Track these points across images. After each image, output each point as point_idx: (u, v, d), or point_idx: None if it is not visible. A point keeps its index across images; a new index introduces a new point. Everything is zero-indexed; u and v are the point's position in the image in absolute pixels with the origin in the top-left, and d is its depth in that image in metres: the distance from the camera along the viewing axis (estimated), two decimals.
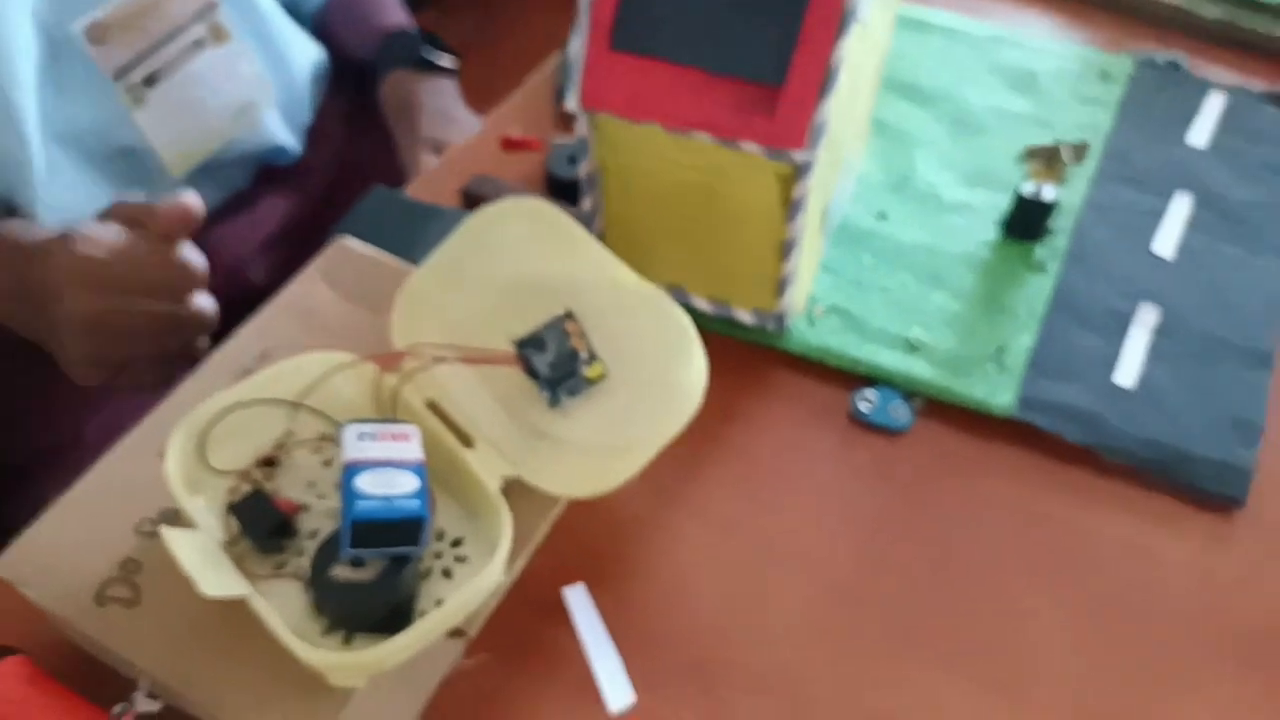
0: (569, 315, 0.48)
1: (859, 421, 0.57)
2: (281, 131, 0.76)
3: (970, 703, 0.47)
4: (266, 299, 0.54)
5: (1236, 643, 0.49)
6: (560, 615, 0.50)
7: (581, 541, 0.52)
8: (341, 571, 0.39)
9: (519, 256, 0.49)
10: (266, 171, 0.79)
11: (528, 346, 0.47)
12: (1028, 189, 0.62)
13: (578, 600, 0.50)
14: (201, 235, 0.76)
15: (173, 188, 0.71)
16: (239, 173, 0.78)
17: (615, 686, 0.47)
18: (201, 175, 0.73)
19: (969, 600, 0.50)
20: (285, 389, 0.45)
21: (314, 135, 0.81)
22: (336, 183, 0.83)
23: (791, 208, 0.52)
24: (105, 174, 0.67)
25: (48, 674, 0.44)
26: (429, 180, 0.72)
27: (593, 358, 0.47)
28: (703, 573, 0.51)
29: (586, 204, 0.58)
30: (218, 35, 0.67)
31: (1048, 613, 0.50)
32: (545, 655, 0.48)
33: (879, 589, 0.51)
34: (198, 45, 0.66)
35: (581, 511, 0.53)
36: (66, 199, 0.64)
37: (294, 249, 0.80)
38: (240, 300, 0.74)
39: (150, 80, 0.65)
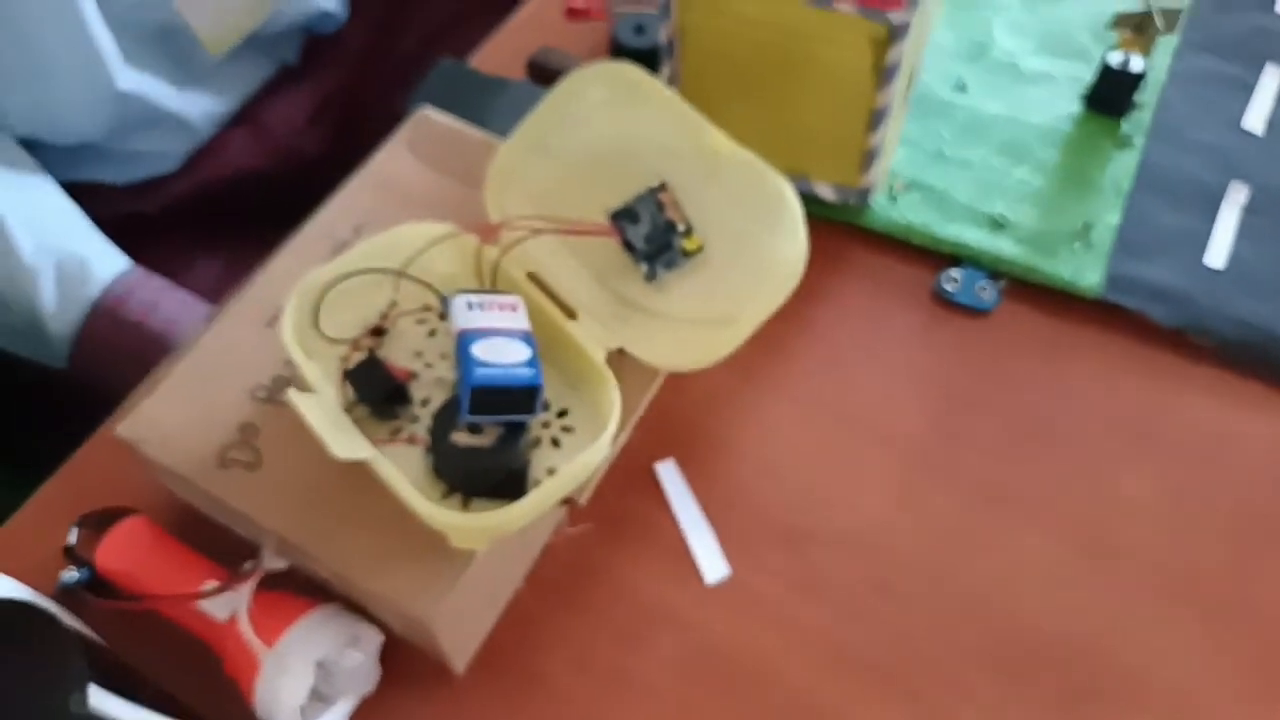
0: (662, 186, 0.47)
1: (943, 301, 0.57)
2: None
3: (1053, 563, 0.49)
4: (321, 170, 0.54)
5: None
6: (653, 489, 0.51)
7: (670, 418, 0.53)
8: (461, 437, 0.40)
9: (606, 124, 0.48)
10: (313, 42, 0.77)
11: (622, 219, 0.47)
12: (1115, 59, 0.60)
13: (669, 475, 0.51)
14: (253, 111, 0.75)
15: (215, 67, 0.69)
16: (287, 45, 0.76)
17: (710, 559, 0.49)
18: (247, 50, 0.71)
19: (1053, 473, 0.51)
20: (388, 259, 0.45)
21: (356, 8, 0.78)
22: (380, 52, 0.81)
23: (885, 74, 0.50)
24: (151, 54, 0.66)
25: (168, 533, 0.45)
26: (493, 52, 0.70)
27: (689, 229, 0.47)
28: (788, 448, 0.52)
29: (664, 71, 0.56)
30: None
31: (1133, 489, 0.51)
32: (641, 528, 0.50)
33: (963, 461, 0.52)
34: None
35: (669, 389, 0.53)
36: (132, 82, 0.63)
37: (343, 119, 0.78)
38: (298, 173, 0.73)
39: None
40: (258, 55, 0.74)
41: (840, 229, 0.59)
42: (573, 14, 0.69)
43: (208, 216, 0.74)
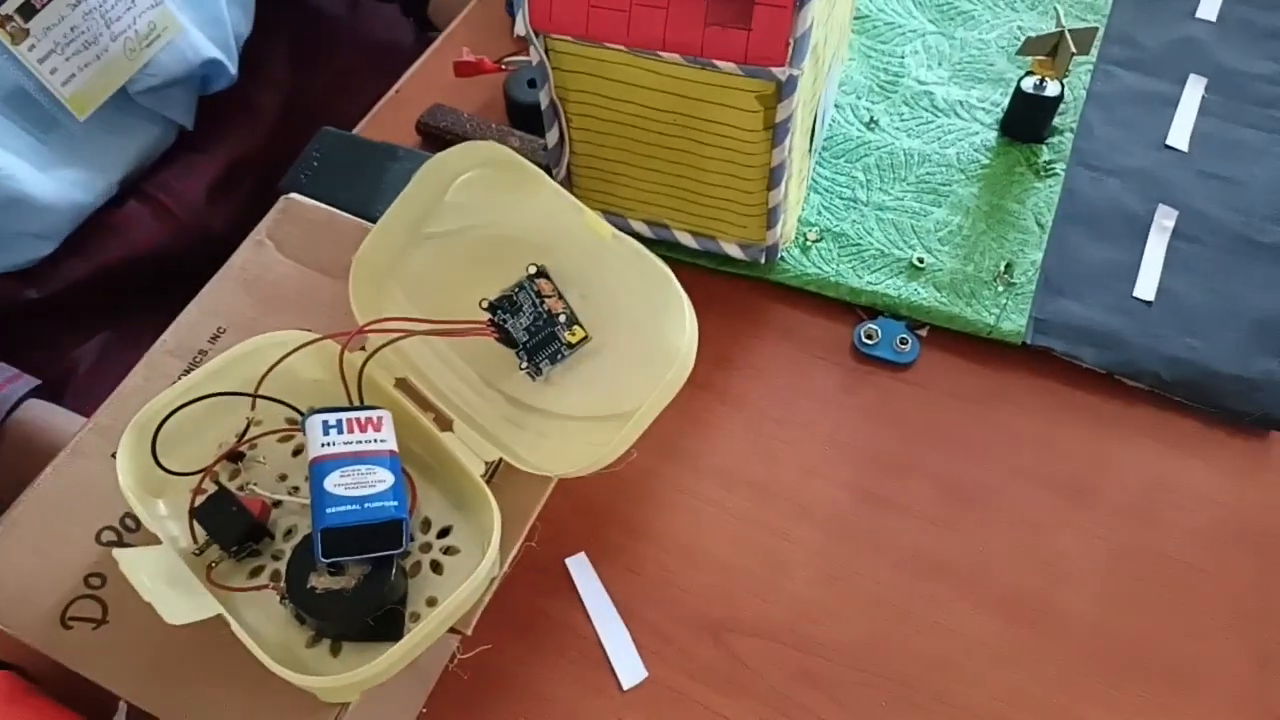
0: (541, 272, 0.43)
1: (862, 356, 0.53)
2: (206, 46, 0.69)
3: (990, 634, 0.46)
4: (228, 244, 0.50)
5: (1267, 574, 0.47)
6: (564, 586, 0.48)
7: (581, 505, 0.49)
8: (320, 580, 0.36)
9: (479, 207, 0.45)
10: (209, 107, 0.72)
11: (499, 310, 0.44)
12: (1029, 84, 0.57)
13: (581, 571, 0.48)
14: (149, 183, 0.70)
15: (91, 135, 0.65)
16: (178, 107, 0.72)
17: (626, 661, 0.45)
18: (130, 114, 0.67)
19: (986, 538, 0.48)
20: (241, 376, 0.41)
21: (251, 66, 0.74)
22: (283, 120, 0.77)
23: (777, 131, 0.47)
24: (11, 120, 0.61)
25: (33, 690, 0.41)
26: (382, 115, 0.66)
27: (572, 319, 0.43)
28: (705, 529, 0.49)
29: (551, 137, 0.53)
30: None
31: (1071, 549, 0.48)
32: (551, 631, 0.46)
33: (889, 530, 0.49)
34: None
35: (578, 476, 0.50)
36: None
37: (251, 190, 0.75)
38: (204, 251, 0.69)
39: (26, 10, 0.58)
40: (142, 120, 0.70)
41: (754, 286, 0.56)
42: (462, 69, 0.66)
43: (105, 300, 0.70)
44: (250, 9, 0.74)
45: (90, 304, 0.69)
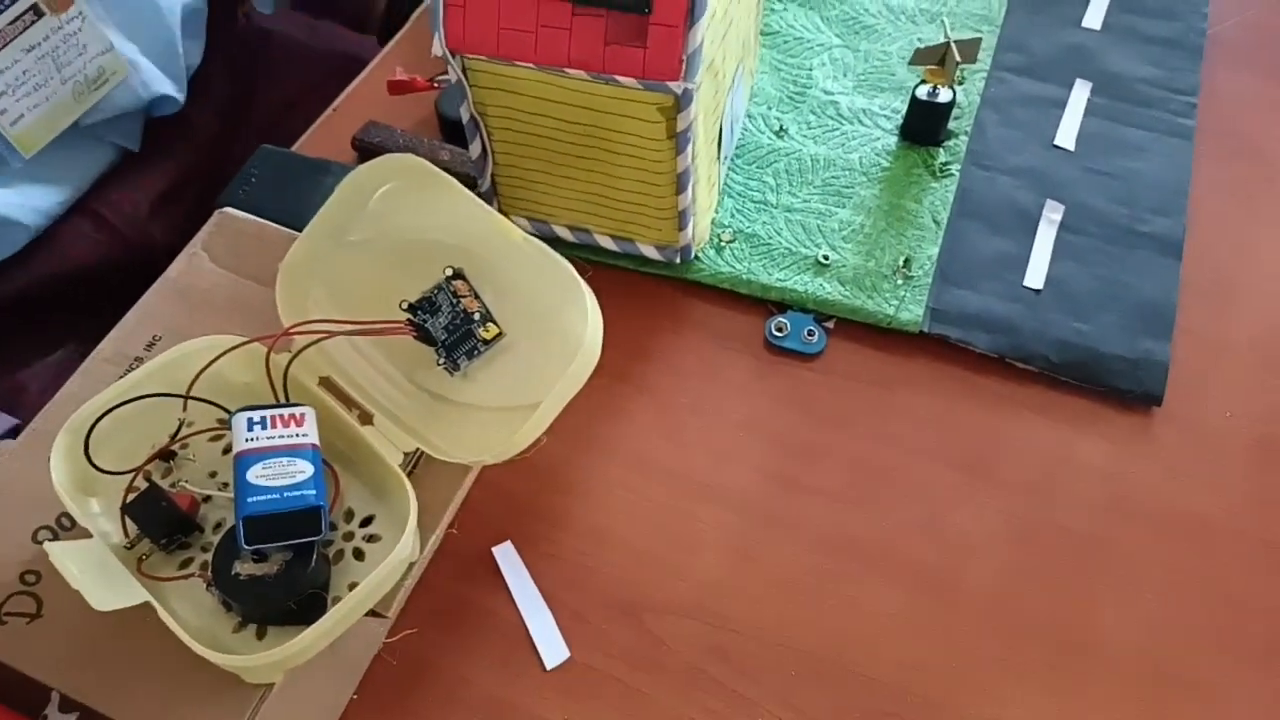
0: (458, 274, 0.46)
1: (773, 348, 0.57)
2: (159, 82, 0.71)
3: (895, 607, 0.48)
4: (170, 259, 0.52)
5: (1158, 541, 0.50)
6: (491, 574, 0.50)
7: (505, 494, 0.52)
8: (244, 567, 0.38)
9: (399, 214, 0.48)
10: (152, 125, 0.74)
11: (419, 311, 0.46)
12: (922, 92, 0.61)
13: (507, 559, 0.50)
14: (92, 200, 0.72)
15: (38, 159, 0.67)
16: (125, 131, 0.74)
17: (549, 643, 0.48)
18: (78, 139, 0.69)
19: (891, 516, 0.51)
20: (172, 379, 0.43)
21: (197, 87, 0.77)
22: (226, 138, 0.79)
23: (679, 139, 0.50)
24: None
25: None
26: (320, 132, 0.69)
27: (486, 317, 0.46)
28: (624, 515, 0.52)
29: (474, 150, 0.55)
30: (54, 4, 0.62)
31: (971, 525, 0.51)
32: (480, 618, 0.49)
33: (799, 511, 0.51)
34: (33, 13, 0.61)
35: (502, 467, 0.52)
36: None
37: (193, 205, 0.76)
38: (147, 264, 0.71)
39: None
40: (90, 143, 0.72)
41: (671, 284, 0.59)
42: (395, 87, 0.68)
43: (45, 314, 0.71)
44: (202, 38, 0.77)
45: (34, 320, 0.71)
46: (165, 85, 0.72)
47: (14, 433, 0.60)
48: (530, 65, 0.48)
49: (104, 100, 0.67)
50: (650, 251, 0.58)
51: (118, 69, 0.67)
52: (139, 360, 0.48)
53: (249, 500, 0.37)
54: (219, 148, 0.79)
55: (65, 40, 0.63)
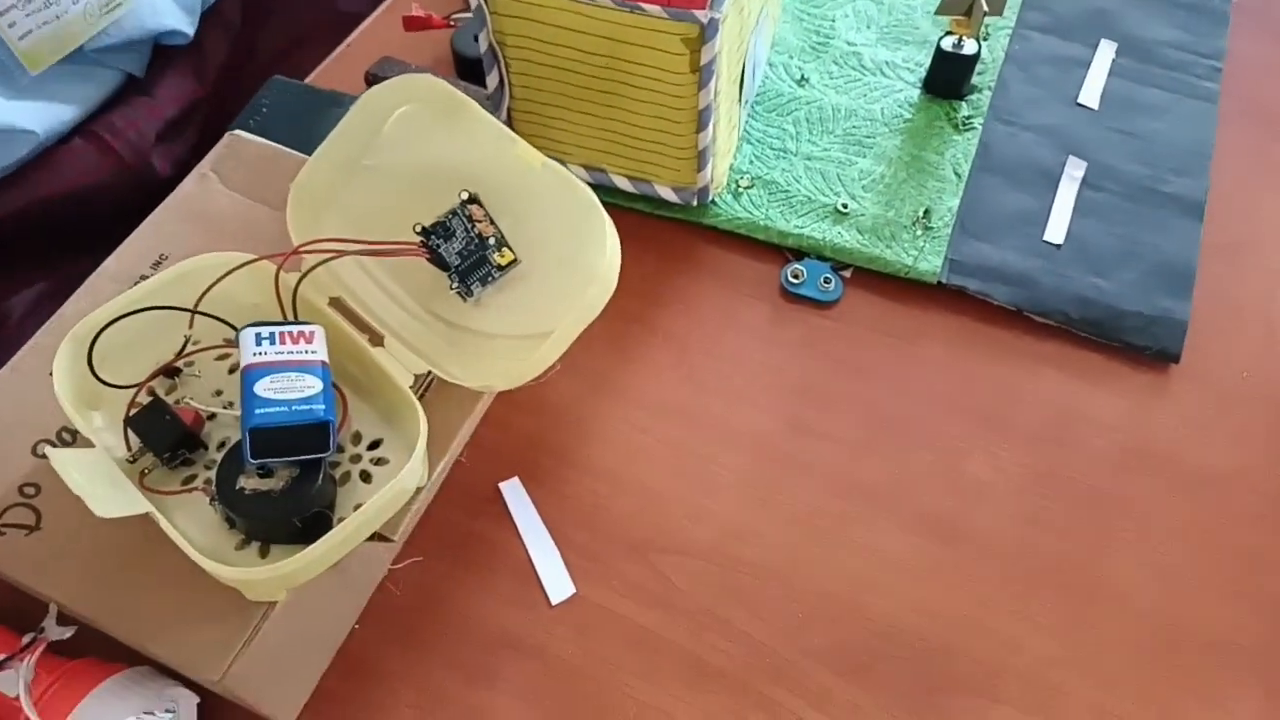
0: (473, 199, 0.45)
1: (789, 295, 0.56)
2: (174, 15, 0.70)
3: (907, 552, 0.48)
4: (171, 188, 0.51)
5: (1171, 495, 0.50)
6: (499, 510, 0.49)
7: (515, 434, 0.51)
8: (249, 482, 0.37)
9: (415, 139, 0.46)
10: (162, 54, 0.73)
11: (433, 235, 0.45)
12: (948, 43, 0.60)
13: (514, 495, 0.50)
14: (95, 124, 0.71)
15: (33, 86, 0.65)
16: (131, 58, 0.72)
17: (555, 579, 0.47)
18: (89, 64, 0.67)
19: (904, 463, 0.51)
20: (180, 294, 0.42)
21: (208, 18, 0.75)
22: (232, 68, 0.77)
23: (703, 73, 0.49)
24: None
25: None
26: (333, 67, 0.68)
27: (501, 242, 0.45)
28: (637, 456, 0.51)
29: (491, 81, 0.54)
30: None
31: (983, 473, 0.50)
32: (485, 552, 0.48)
33: (813, 456, 0.51)
34: None
35: (514, 404, 0.51)
36: None
37: (197, 134, 0.75)
38: (146, 193, 0.69)
39: None
40: (97, 69, 0.70)
41: (687, 229, 0.58)
42: (411, 23, 0.67)
43: (41, 241, 0.70)
44: None
45: (24, 244, 0.69)
46: (176, 18, 0.70)
47: None
48: None
49: (112, 26, 0.66)
50: (667, 193, 0.57)
51: None
52: (144, 278, 0.46)
53: (256, 412, 0.36)
54: (227, 79, 0.77)
55: None
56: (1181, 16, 0.67)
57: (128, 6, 0.65)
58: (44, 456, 0.41)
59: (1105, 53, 0.65)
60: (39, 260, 0.69)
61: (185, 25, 0.71)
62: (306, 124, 0.61)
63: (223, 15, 0.77)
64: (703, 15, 0.46)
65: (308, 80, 0.66)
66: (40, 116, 0.65)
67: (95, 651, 0.40)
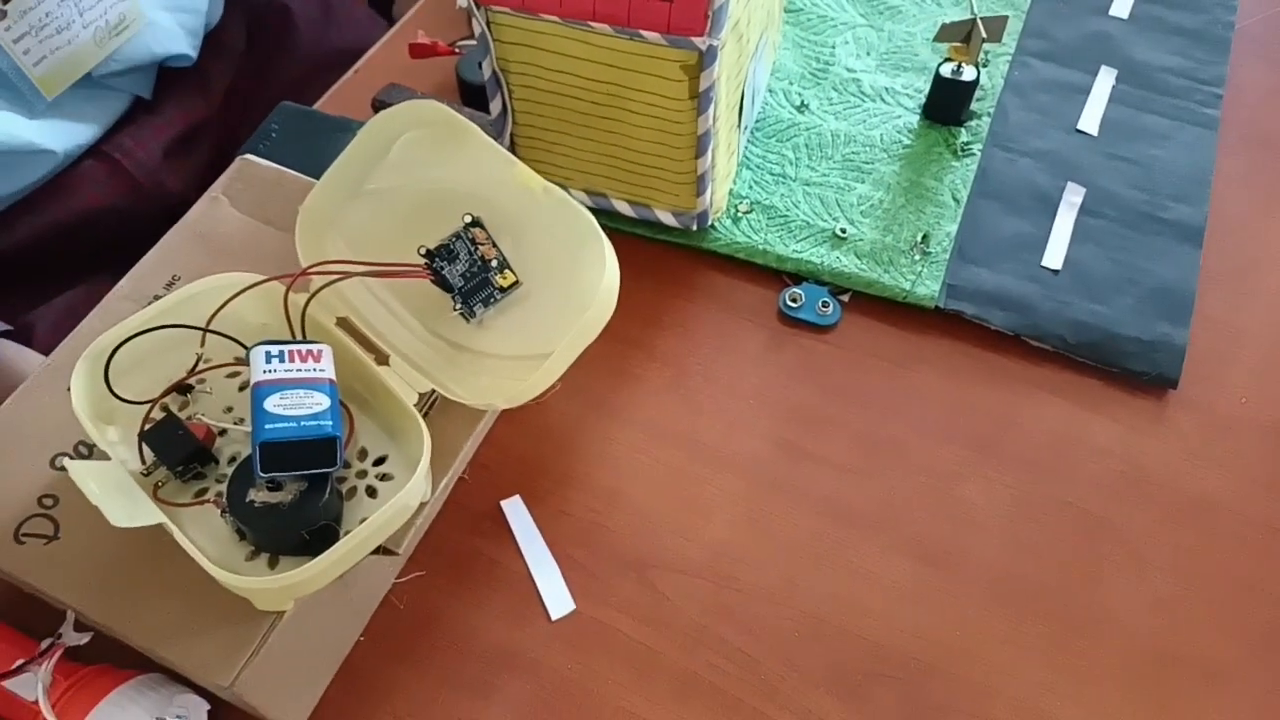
0: (476, 222, 0.46)
1: (787, 319, 0.57)
2: (177, 39, 0.72)
3: (898, 575, 0.49)
4: (185, 206, 0.52)
5: (1167, 523, 0.50)
6: (500, 528, 0.50)
7: (517, 454, 0.52)
8: (258, 495, 0.39)
9: (419, 164, 0.48)
10: (168, 76, 0.75)
11: (437, 257, 0.46)
12: (946, 70, 0.61)
13: (515, 512, 0.51)
14: (109, 144, 0.73)
15: (48, 109, 0.67)
16: (138, 80, 0.75)
17: (555, 595, 0.48)
18: (98, 87, 0.70)
19: (898, 487, 0.51)
20: (191, 314, 0.43)
21: (211, 42, 0.77)
22: (238, 91, 0.80)
23: (701, 99, 0.50)
24: None
25: None
26: (340, 93, 0.69)
27: (503, 265, 0.46)
28: (635, 476, 0.52)
29: (494, 107, 0.56)
30: None
31: (977, 498, 0.51)
32: (486, 569, 0.49)
33: (808, 480, 0.52)
34: None
35: (516, 425, 0.53)
36: None
37: (207, 155, 0.77)
38: (160, 212, 0.71)
39: None
40: (105, 92, 0.73)
41: (686, 253, 0.59)
42: (417, 50, 0.69)
43: (59, 260, 0.72)
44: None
45: (44, 264, 0.71)
46: (180, 42, 0.73)
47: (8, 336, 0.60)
48: (555, 18, 0.48)
49: (118, 51, 0.68)
50: (667, 217, 0.58)
51: (136, 17, 0.67)
52: (157, 298, 0.48)
53: (266, 427, 0.38)
54: (234, 101, 0.79)
55: None
56: (1182, 43, 0.68)
57: (135, 30, 0.67)
58: (62, 469, 0.42)
59: (1105, 79, 0.66)
60: (60, 277, 0.71)
61: (188, 48, 0.73)
62: (314, 148, 0.62)
63: (223, 38, 0.79)
64: (701, 42, 0.47)
65: (316, 106, 0.68)
66: (59, 137, 0.67)
67: (109, 658, 0.41)
